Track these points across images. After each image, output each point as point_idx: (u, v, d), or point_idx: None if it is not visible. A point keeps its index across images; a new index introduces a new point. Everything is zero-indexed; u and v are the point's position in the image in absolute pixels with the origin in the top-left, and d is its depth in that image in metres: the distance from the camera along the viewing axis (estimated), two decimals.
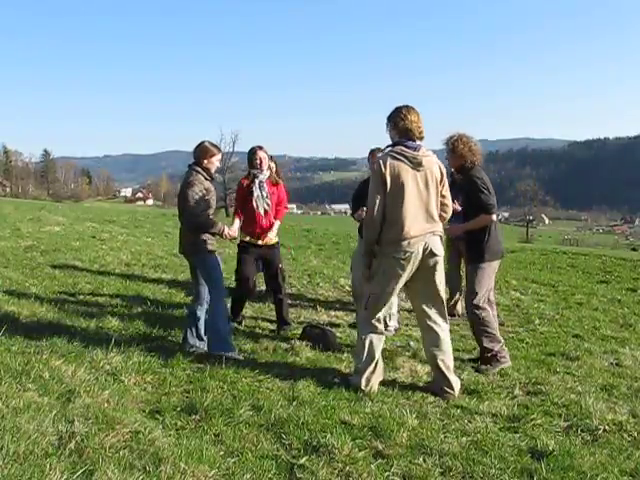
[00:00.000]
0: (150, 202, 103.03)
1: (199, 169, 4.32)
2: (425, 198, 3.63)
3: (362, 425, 3.21)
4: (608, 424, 3.39)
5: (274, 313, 5.40)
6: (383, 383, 3.93)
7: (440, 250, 3.72)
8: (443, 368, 3.76)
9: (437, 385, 3.80)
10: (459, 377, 4.00)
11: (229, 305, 5.13)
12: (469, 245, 4.53)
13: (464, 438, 3.13)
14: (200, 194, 4.27)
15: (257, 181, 5.07)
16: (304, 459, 2.78)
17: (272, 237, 5.17)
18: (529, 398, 3.83)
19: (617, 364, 4.72)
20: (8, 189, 78.66)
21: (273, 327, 5.30)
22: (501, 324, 5.89)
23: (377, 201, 3.58)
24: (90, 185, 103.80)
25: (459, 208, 4.87)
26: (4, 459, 2.46)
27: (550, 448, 3.02)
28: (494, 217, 4.38)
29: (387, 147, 3.73)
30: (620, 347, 5.23)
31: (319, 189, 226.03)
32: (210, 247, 4.34)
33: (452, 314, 5.86)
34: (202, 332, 4.52)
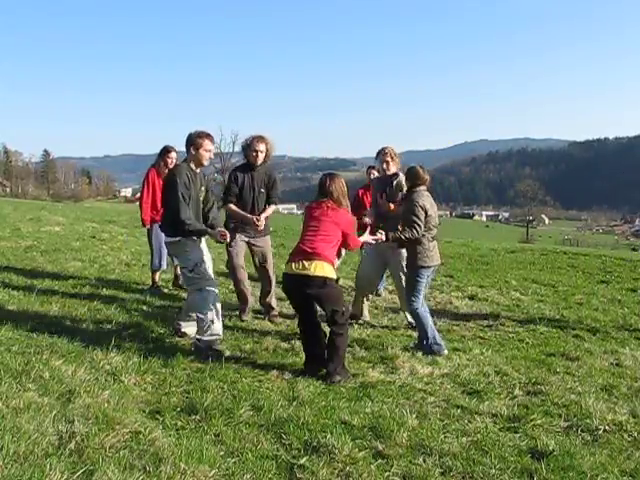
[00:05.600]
0: None
1: None
2: None
3: (362, 425, 3.21)
4: (608, 424, 3.39)
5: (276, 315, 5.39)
6: (383, 383, 3.94)
7: None
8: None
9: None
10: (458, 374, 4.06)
11: None
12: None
13: (464, 438, 3.13)
14: None
15: None
16: (304, 459, 2.78)
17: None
18: (529, 398, 3.83)
19: (617, 364, 4.72)
20: (8, 189, 78.58)
21: (273, 327, 5.31)
22: (501, 324, 5.90)
23: None
24: (90, 185, 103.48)
25: None
26: (4, 459, 2.46)
27: (550, 448, 3.02)
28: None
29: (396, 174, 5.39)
30: (620, 347, 5.23)
31: None
32: None
33: None
34: None
